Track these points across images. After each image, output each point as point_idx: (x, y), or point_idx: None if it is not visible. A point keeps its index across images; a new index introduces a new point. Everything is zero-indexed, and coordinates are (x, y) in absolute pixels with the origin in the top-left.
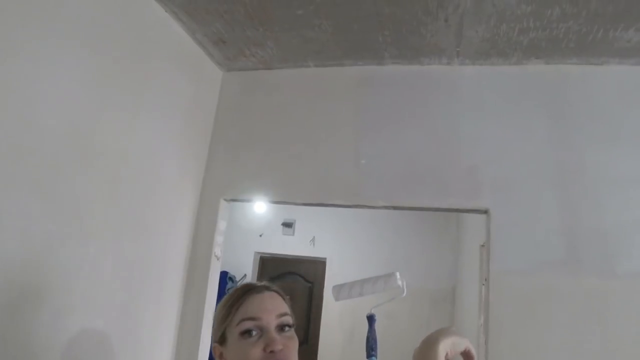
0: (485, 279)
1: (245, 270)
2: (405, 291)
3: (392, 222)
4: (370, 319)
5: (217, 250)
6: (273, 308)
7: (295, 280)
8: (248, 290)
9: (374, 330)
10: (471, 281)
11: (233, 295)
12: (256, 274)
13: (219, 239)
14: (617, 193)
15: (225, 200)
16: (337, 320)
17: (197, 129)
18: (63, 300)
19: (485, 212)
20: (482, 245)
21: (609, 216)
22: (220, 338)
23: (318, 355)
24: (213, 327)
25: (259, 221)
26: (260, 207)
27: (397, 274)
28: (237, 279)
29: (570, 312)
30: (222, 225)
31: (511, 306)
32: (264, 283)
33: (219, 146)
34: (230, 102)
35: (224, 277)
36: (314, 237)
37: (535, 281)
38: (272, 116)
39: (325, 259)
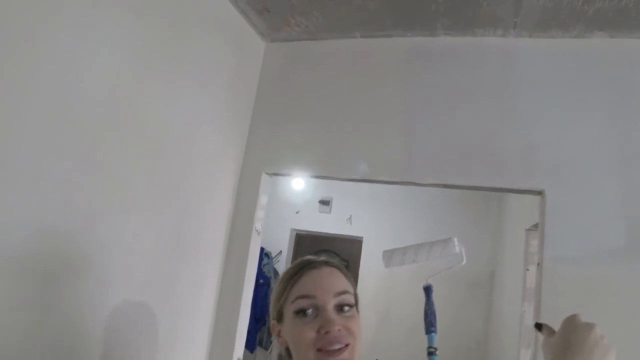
0: (538, 264)
1: (281, 247)
2: (464, 259)
3: (430, 203)
4: (428, 290)
5: (258, 225)
6: (331, 285)
7: (331, 258)
8: (305, 265)
9: (433, 302)
10: (513, 266)
11: (289, 271)
12: (292, 250)
13: (259, 213)
14: None
15: (267, 174)
16: (372, 300)
17: (238, 101)
18: (105, 271)
19: (540, 193)
20: (529, 229)
21: None
22: (277, 315)
23: None
24: (271, 303)
25: (296, 198)
26: (298, 184)
27: (455, 239)
28: (273, 255)
29: (630, 304)
30: (263, 199)
31: (564, 295)
32: (322, 258)
33: (261, 119)
34: (273, 74)
35: (260, 253)
36: (350, 215)
37: (592, 270)
38: (316, 89)
39: (361, 237)
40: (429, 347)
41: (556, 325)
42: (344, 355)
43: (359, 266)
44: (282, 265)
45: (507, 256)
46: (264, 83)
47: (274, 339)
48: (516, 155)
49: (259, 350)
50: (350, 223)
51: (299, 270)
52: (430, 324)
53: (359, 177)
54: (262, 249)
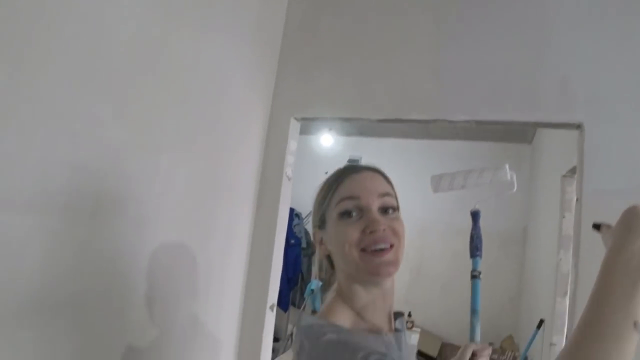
0: (577, 199)
1: (311, 208)
2: (515, 186)
3: (459, 158)
4: (475, 215)
5: (288, 171)
6: (374, 187)
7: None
8: (347, 169)
9: (479, 227)
10: (548, 216)
11: (331, 177)
12: None
13: (289, 158)
14: None
15: (296, 119)
16: (404, 256)
17: (265, 46)
18: (138, 210)
19: (579, 126)
20: (564, 176)
21: None
22: (319, 222)
23: None
24: (312, 211)
25: (325, 157)
26: (327, 140)
27: (507, 165)
28: (304, 215)
29: None
30: (292, 145)
31: None
32: (363, 164)
33: (289, 63)
34: (299, 17)
35: (291, 213)
36: None
37: (634, 202)
38: (344, 31)
39: None
40: (473, 270)
41: None
42: (388, 256)
43: None
44: None
45: (542, 207)
46: (290, 27)
47: (307, 296)
48: (552, 87)
49: (292, 310)
50: None
51: (341, 174)
52: (475, 247)
53: (391, 117)
54: (292, 210)
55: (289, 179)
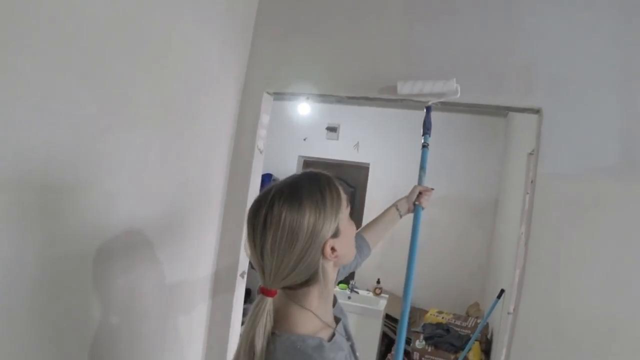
0: (531, 181)
1: (289, 173)
2: (459, 94)
3: (437, 130)
4: (428, 108)
5: (260, 144)
6: None
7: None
8: (332, 179)
9: (430, 116)
10: (515, 191)
11: (330, 185)
12: None
13: (261, 132)
14: None
15: (269, 93)
16: None
17: (239, 21)
18: (112, 185)
19: (538, 111)
20: (530, 153)
21: None
22: (335, 231)
23: None
24: (317, 228)
25: (303, 125)
26: (304, 109)
27: (455, 79)
28: None
29: (619, 221)
30: (265, 118)
31: (557, 211)
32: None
33: (263, 38)
34: None
35: (269, 179)
36: (358, 142)
37: (585, 187)
38: (318, 8)
39: (368, 164)
40: (424, 142)
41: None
42: None
43: (365, 192)
44: None
45: (510, 182)
46: (265, 2)
47: None
48: (516, 72)
49: None
50: (358, 150)
51: (332, 182)
52: (426, 128)
53: (360, 95)
54: (269, 175)
55: (261, 152)
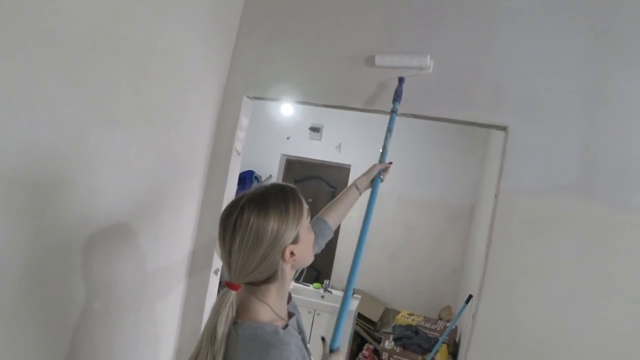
0: (495, 195)
1: (271, 172)
2: (432, 69)
3: (418, 135)
4: (401, 79)
5: (238, 146)
6: None
7: (319, 184)
8: (294, 190)
9: (402, 87)
10: (488, 200)
11: (294, 197)
12: (282, 175)
13: (240, 134)
14: None
15: (249, 97)
16: (356, 225)
17: (223, 25)
18: (92, 182)
19: (504, 129)
20: None
21: (632, 147)
22: (296, 237)
23: (335, 257)
24: (279, 234)
25: (287, 124)
26: (287, 109)
27: (429, 55)
28: (263, 179)
29: (575, 237)
30: (244, 121)
31: (517, 225)
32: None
33: (245, 44)
34: None
35: (250, 176)
36: (340, 143)
37: (545, 203)
38: (299, 15)
39: (349, 165)
40: (393, 107)
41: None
42: None
43: None
44: None
45: (485, 190)
46: (249, 7)
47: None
48: (486, 90)
49: None
50: (340, 151)
51: (297, 195)
52: (397, 96)
53: (336, 104)
54: (252, 172)
55: (239, 154)
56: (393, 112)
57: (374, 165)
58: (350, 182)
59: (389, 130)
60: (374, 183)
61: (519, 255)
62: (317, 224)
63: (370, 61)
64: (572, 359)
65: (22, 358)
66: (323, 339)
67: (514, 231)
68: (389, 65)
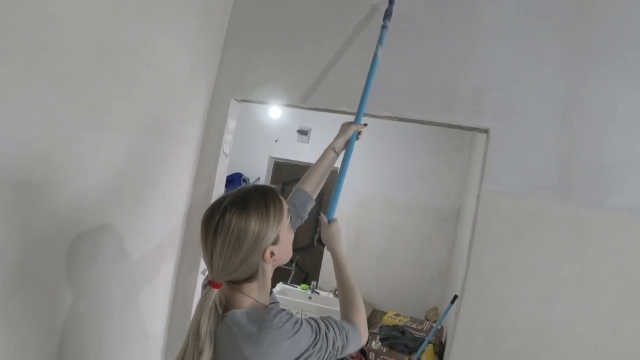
0: (477, 197)
1: (260, 174)
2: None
3: (405, 138)
4: (391, 1)
5: (226, 148)
6: None
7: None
8: (275, 192)
9: (392, 8)
10: (474, 202)
11: (274, 200)
12: (270, 178)
13: (228, 137)
14: (621, 129)
15: (236, 100)
16: (345, 228)
17: (211, 29)
18: (81, 183)
19: (486, 132)
20: None
21: (608, 151)
22: (276, 240)
23: (322, 259)
24: (260, 236)
25: (275, 127)
26: (275, 113)
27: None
28: (252, 181)
29: (554, 238)
30: (231, 124)
31: (498, 226)
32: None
33: (233, 47)
34: (247, 1)
35: (239, 178)
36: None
37: (525, 205)
38: (287, 20)
39: (337, 168)
40: (384, 25)
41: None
42: None
43: None
44: None
45: (472, 192)
46: (237, 12)
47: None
48: (468, 94)
49: None
50: None
51: (274, 193)
52: (388, 15)
53: (322, 107)
54: (240, 175)
55: (226, 156)
56: (384, 27)
57: (349, 125)
58: None
59: (380, 42)
60: (351, 138)
61: (500, 255)
62: (297, 196)
63: (353, 65)
64: (551, 356)
65: (9, 357)
66: (319, 213)
67: (495, 232)
68: None
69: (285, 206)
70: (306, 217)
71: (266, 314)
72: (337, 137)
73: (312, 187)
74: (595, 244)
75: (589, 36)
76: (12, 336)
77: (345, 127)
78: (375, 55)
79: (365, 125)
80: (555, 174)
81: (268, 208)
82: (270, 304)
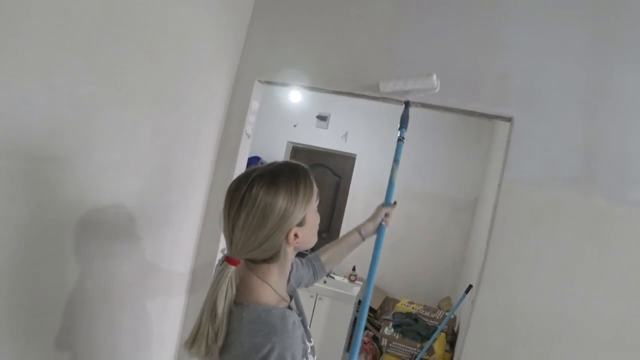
0: (498, 184)
1: (277, 158)
2: (438, 88)
3: (424, 126)
4: (407, 103)
5: (249, 129)
6: None
7: (324, 173)
8: (305, 170)
9: (408, 111)
10: (492, 193)
11: (306, 179)
12: None
13: (251, 118)
14: None
15: (260, 81)
16: (360, 215)
17: (236, 9)
18: (105, 157)
19: (509, 120)
20: None
21: (633, 143)
22: (302, 220)
23: None
24: (287, 215)
25: (294, 111)
26: (295, 97)
27: (435, 74)
28: None
29: (573, 229)
30: (255, 105)
31: (518, 214)
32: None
33: (258, 28)
34: None
35: (256, 161)
36: (346, 132)
37: (546, 194)
38: (311, 4)
39: (355, 155)
40: (400, 136)
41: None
42: None
43: (350, 181)
44: None
45: (490, 183)
46: None
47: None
48: (491, 81)
49: None
50: (346, 140)
51: (305, 174)
52: (403, 122)
53: (345, 91)
54: (258, 158)
55: (249, 137)
56: (400, 140)
57: (380, 209)
58: (355, 172)
59: (396, 161)
60: (380, 230)
61: (519, 243)
62: (311, 263)
63: (377, 49)
64: (566, 345)
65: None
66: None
67: (515, 220)
68: (393, 91)
69: (315, 188)
70: (313, 284)
71: (272, 333)
72: (368, 220)
73: (328, 259)
74: (615, 237)
75: (615, 25)
76: (18, 320)
77: (379, 209)
78: (391, 182)
79: (395, 203)
80: (578, 164)
81: (298, 186)
82: (290, 296)
